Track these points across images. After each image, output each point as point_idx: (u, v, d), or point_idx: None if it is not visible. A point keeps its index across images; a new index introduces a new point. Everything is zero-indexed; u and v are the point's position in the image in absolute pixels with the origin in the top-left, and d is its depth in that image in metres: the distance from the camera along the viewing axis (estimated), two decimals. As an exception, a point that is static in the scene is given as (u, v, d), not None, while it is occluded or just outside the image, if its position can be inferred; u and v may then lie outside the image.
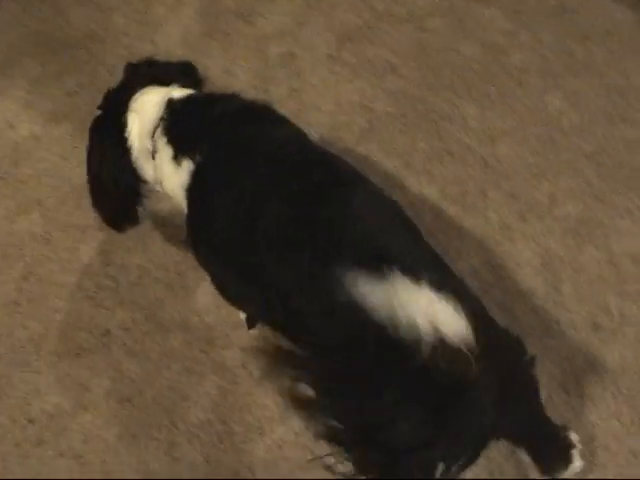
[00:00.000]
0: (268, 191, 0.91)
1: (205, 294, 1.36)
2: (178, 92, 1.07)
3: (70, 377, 1.34)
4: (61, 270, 1.39)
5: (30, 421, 1.32)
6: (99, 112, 1.14)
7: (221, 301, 1.18)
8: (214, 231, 0.95)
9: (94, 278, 1.40)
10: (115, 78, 1.17)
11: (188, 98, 1.07)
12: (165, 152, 1.04)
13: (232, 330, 1.33)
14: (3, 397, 1.31)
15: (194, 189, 1.00)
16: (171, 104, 1.05)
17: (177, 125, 1.04)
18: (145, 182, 1.11)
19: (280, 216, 0.88)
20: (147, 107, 1.07)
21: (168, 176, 1.04)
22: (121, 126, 1.09)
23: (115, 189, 1.13)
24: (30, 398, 1.32)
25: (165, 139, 1.04)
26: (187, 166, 1.00)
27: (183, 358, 1.32)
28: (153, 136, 1.05)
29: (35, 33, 1.66)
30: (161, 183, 1.08)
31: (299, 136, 1.02)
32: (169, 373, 1.33)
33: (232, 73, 1.60)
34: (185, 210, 1.04)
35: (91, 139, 1.14)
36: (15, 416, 1.31)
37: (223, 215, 0.93)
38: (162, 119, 1.05)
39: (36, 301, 1.37)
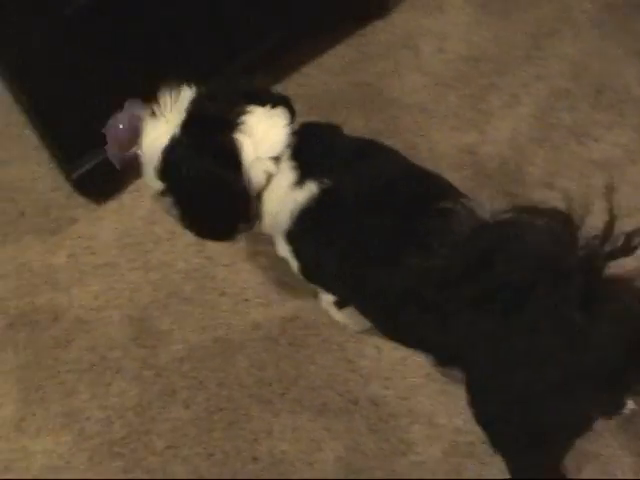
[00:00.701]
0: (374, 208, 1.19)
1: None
2: (282, 118, 1.30)
3: (306, 431, 1.46)
4: (329, 324, 1.60)
5: (254, 459, 1.45)
6: (183, 120, 1.29)
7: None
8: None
9: (358, 346, 1.57)
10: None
11: (312, 126, 1.30)
12: (285, 177, 1.26)
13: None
14: (236, 427, 1.54)
15: (313, 211, 1.23)
16: (298, 132, 1.29)
17: (306, 152, 1.26)
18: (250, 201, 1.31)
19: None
20: (265, 134, 1.29)
21: (278, 197, 1.26)
22: (229, 147, 1.27)
23: (225, 199, 1.32)
24: (261, 437, 1.45)
25: (291, 165, 1.26)
26: (310, 189, 1.23)
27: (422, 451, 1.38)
28: (276, 161, 1.26)
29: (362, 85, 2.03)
30: (261, 202, 1.32)
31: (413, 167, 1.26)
32: (404, 461, 1.41)
33: (549, 185, 1.76)
34: (283, 226, 1.28)
35: (190, 159, 1.29)
36: (241, 449, 1.45)
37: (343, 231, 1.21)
38: (290, 146, 1.28)
39: (297, 345, 1.55)
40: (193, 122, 1.24)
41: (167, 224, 1.78)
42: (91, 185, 1.79)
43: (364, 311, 1.37)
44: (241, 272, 1.72)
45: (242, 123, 1.27)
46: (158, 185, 1.35)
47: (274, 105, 1.33)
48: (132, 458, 1.55)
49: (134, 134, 1.36)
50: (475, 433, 1.38)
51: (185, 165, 1.24)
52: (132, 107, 1.42)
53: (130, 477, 1.52)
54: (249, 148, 1.28)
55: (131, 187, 1.86)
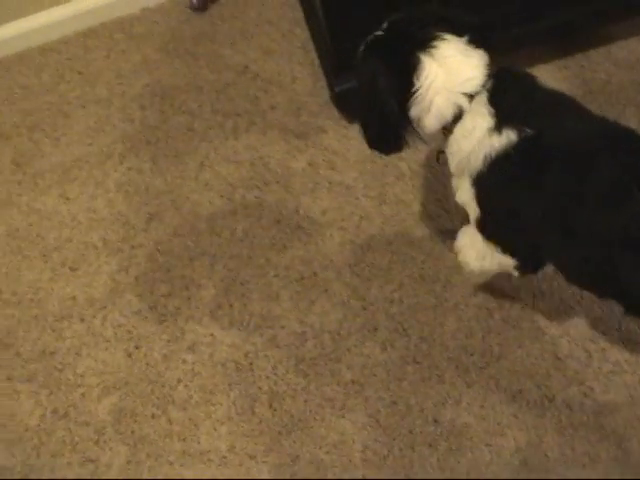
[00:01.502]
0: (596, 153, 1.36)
1: None
2: (479, 56, 1.44)
3: (494, 411, 1.70)
4: (547, 313, 1.82)
5: (435, 421, 1.72)
6: (379, 33, 1.51)
7: None
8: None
9: (571, 346, 1.79)
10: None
11: (509, 72, 1.45)
12: (482, 120, 1.41)
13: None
14: (426, 384, 1.83)
15: (512, 158, 1.40)
16: (495, 76, 1.44)
17: (505, 98, 1.42)
18: (409, 124, 1.49)
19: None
20: (459, 67, 1.44)
21: (472, 139, 1.43)
22: (411, 64, 1.44)
23: (381, 115, 1.50)
24: (448, 403, 1.72)
25: (488, 109, 1.41)
26: (508, 136, 1.39)
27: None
28: (471, 100, 1.41)
29: None
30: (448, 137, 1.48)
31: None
32: (584, 474, 1.65)
33: None
34: (473, 168, 1.46)
35: (368, 56, 1.52)
36: (425, 407, 1.74)
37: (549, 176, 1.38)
38: (487, 89, 1.44)
39: (510, 323, 1.88)
40: (384, 38, 1.47)
41: (414, 163, 2.01)
42: (350, 102, 2.04)
43: (559, 257, 1.53)
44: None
45: (433, 47, 1.46)
46: None
47: (472, 40, 1.49)
48: (315, 381, 1.84)
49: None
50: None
51: (359, 74, 1.49)
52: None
53: (307, 398, 1.83)
54: (436, 75, 1.46)
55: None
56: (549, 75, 2.16)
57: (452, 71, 1.43)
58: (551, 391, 1.75)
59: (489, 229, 1.58)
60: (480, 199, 1.52)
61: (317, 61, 2.31)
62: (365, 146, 1.93)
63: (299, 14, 2.44)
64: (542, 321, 1.83)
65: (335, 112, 2.12)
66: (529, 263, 1.63)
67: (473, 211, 1.57)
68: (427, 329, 1.85)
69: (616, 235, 1.37)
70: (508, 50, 2.00)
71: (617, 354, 1.75)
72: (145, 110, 2.35)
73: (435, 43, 1.42)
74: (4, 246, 2.17)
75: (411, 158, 2.05)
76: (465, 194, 1.54)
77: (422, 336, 1.85)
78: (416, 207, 2.00)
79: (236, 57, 2.41)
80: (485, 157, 1.45)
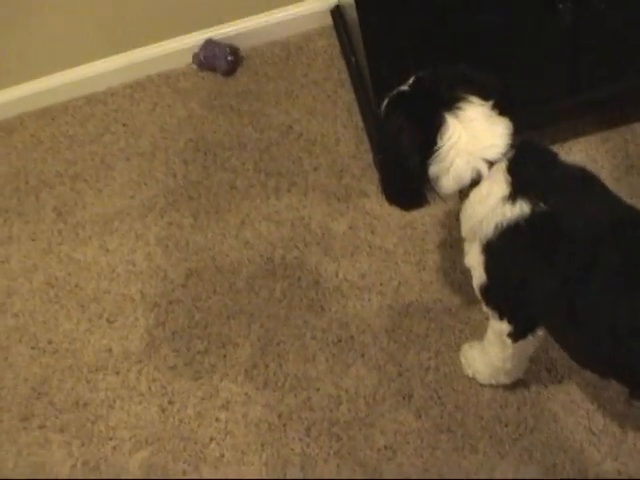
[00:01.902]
0: (605, 241, 1.46)
1: None
2: (504, 124, 1.57)
3: None
4: (581, 384, 1.97)
5: None
6: (405, 88, 1.64)
7: None
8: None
9: (604, 420, 1.93)
10: None
11: (531, 145, 1.56)
12: (498, 188, 1.52)
13: None
14: (459, 454, 1.97)
15: (524, 230, 1.51)
16: (517, 147, 1.55)
17: (524, 169, 1.53)
18: (428, 182, 1.61)
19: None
20: (483, 132, 1.56)
21: (486, 205, 1.54)
22: (435, 123, 1.56)
23: (403, 170, 1.61)
24: (481, 474, 1.84)
25: (506, 177, 1.52)
26: (521, 207, 1.50)
27: None
28: (490, 166, 1.52)
29: None
30: (464, 201, 1.60)
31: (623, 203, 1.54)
32: None
33: None
34: (484, 235, 1.57)
35: (393, 111, 1.65)
36: (458, 477, 1.83)
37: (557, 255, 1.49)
38: (508, 158, 1.55)
39: (545, 395, 2.01)
40: (410, 94, 1.58)
41: (455, 231, 2.19)
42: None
43: (563, 336, 1.64)
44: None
45: (458, 108, 1.52)
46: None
47: (497, 105, 1.62)
48: (348, 445, 1.99)
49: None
50: None
51: (382, 127, 1.60)
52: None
53: (340, 462, 1.96)
54: (459, 137, 1.57)
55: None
56: (592, 147, 2.34)
57: (476, 135, 1.52)
58: (584, 465, 1.87)
59: (492, 297, 1.68)
60: (488, 266, 1.61)
61: (361, 124, 2.51)
62: (407, 212, 2.13)
63: (344, 75, 2.66)
64: (577, 394, 1.96)
65: (377, 176, 2.30)
66: (524, 329, 1.75)
67: (478, 276, 1.65)
68: (462, 398, 2.00)
69: (621, 323, 1.49)
70: (552, 122, 2.21)
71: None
72: (188, 165, 2.56)
73: (461, 105, 1.52)
74: (42, 294, 2.38)
75: (453, 225, 2.22)
76: (473, 259, 1.63)
77: (457, 405, 1.99)
78: (455, 275, 2.17)
79: (280, 116, 2.62)
80: (497, 225, 1.57)
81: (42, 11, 2.61)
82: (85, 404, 2.16)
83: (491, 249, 1.59)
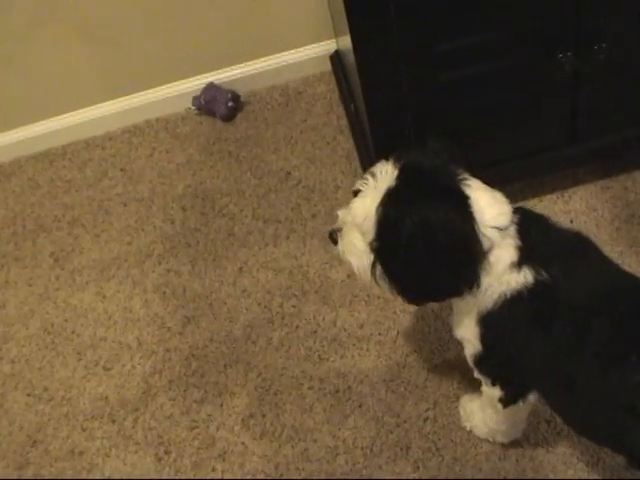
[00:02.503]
0: (598, 312, 1.45)
1: None
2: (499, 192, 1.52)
3: None
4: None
5: None
6: (395, 182, 1.51)
7: None
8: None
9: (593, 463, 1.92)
10: None
11: (525, 210, 1.56)
12: (507, 254, 1.49)
13: None
14: None
15: (524, 300, 1.49)
16: (516, 213, 1.51)
17: (530, 235, 1.50)
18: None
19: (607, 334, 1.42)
20: (490, 200, 1.52)
21: (488, 276, 1.50)
22: (462, 201, 1.49)
23: (467, 254, 1.51)
24: None
25: (516, 243, 1.49)
26: (525, 276, 1.48)
27: None
28: (501, 234, 1.47)
29: None
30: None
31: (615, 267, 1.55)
32: None
33: None
34: (484, 306, 1.54)
35: (417, 208, 1.47)
36: None
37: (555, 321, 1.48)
38: (515, 223, 1.53)
39: (542, 453, 1.95)
40: (409, 172, 1.46)
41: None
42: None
43: (558, 404, 1.66)
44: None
45: (464, 180, 1.46)
46: (365, 259, 1.63)
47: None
48: (345, 497, 1.96)
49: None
50: None
51: (408, 213, 1.41)
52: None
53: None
54: (484, 211, 1.52)
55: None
56: (592, 196, 2.36)
57: (484, 205, 1.47)
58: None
59: (487, 366, 1.67)
60: (485, 338, 1.59)
61: (360, 171, 2.53)
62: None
63: (343, 122, 2.68)
64: (576, 447, 1.96)
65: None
66: (515, 395, 1.75)
67: (473, 347, 1.63)
68: (460, 450, 2.00)
69: (612, 396, 1.50)
70: (551, 170, 2.23)
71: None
72: (186, 211, 2.58)
73: (463, 177, 1.48)
74: (39, 341, 2.39)
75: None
76: (467, 331, 1.62)
77: (455, 457, 1.99)
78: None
79: (279, 162, 2.64)
80: (500, 296, 1.50)
81: (41, 54, 2.65)
82: (81, 452, 2.14)
83: (490, 320, 1.56)
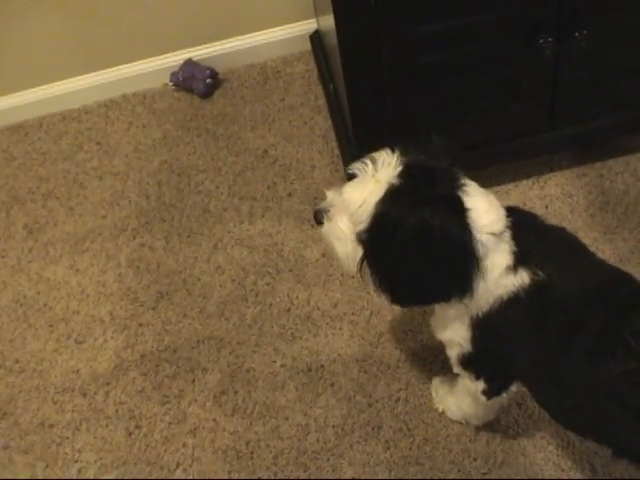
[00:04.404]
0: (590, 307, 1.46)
1: None
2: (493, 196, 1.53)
3: None
4: (551, 421, 1.96)
5: None
6: (397, 180, 1.46)
7: None
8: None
9: (574, 457, 1.93)
10: None
11: (518, 210, 1.56)
12: (502, 258, 1.48)
13: None
14: None
15: (520, 301, 1.49)
16: (509, 214, 1.49)
17: (523, 237, 1.49)
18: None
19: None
20: (484, 203, 1.49)
21: (486, 282, 1.48)
22: (455, 196, 1.46)
23: (465, 257, 1.48)
24: None
25: (511, 247, 1.48)
26: (522, 277, 1.47)
27: None
28: (497, 239, 1.45)
29: None
30: None
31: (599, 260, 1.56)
32: None
33: None
34: (478, 310, 1.52)
35: (416, 210, 1.43)
36: None
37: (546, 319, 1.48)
38: (508, 226, 1.52)
39: (514, 430, 1.99)
40: (412, 173, 1.42)
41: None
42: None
43: (544, 398, 1.66)
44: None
45: (464, 183, 1.44)
46: (350, 245, 1.58)
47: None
48: (315, 475, 1.98)
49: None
50: None
51: (408, 215, 1.38)
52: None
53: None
54: (479, 218, 1.49)
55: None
56: (567, 182, 2.35)
57: (481, 211, 1.45)
58: (551, 500, 1.85)
59: (475, 365, 1.66)
60: (477, 340, 1.57)
61: (337, 150, 2.51)
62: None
63: (322, 101, 2.65)
64: (547, 430, 1.96)
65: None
66: (499, 388, 1.75)
67: (459, 348, 1.62)
68: (432, 430, 2.00)
69: (600, 387, 1.49)
70: (528, 155, 2.22)
71: (622, 469, 1.88)
72: (162, 187, 2.54)
73: (462, 182, 1.46)
74: (10, 313, 2.34)
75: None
76: (456, 334, 1.60)
77: (426, 437, 1.98)
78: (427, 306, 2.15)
79: (256, 141, 2.61)
80: (496, 299, 1.49)
81: (18, 26, 2.58)
82: (51, 425, 2.11)
83: (486, 323, 1.54)
